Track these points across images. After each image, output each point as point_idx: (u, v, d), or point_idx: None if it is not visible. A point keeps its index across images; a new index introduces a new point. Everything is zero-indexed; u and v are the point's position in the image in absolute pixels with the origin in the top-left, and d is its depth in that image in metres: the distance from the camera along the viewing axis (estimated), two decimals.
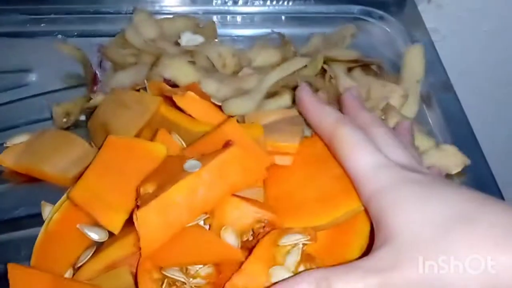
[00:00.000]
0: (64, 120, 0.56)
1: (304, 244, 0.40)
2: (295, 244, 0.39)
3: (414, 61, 0.59)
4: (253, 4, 0.73)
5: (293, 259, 0.39)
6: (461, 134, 0.57)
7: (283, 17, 0.73)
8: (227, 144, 0.43)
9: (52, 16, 0.70)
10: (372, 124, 0.43)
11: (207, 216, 0.41)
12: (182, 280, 0.39)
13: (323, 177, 0.44)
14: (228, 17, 0.73)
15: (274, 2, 0.74)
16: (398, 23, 0.71)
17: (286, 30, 0.68)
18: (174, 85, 0.55)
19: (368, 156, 0.39)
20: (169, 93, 0.51)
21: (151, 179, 0.42)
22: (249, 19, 0.73)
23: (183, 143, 0.47)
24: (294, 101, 0.53)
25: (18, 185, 0.51)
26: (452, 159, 0.52)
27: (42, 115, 0.58)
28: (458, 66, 0.70)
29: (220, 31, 0.69)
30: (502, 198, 0.50)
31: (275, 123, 0.49)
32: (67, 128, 0.56)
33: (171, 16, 0.68)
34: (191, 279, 0.40)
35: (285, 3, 0.74)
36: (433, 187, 0.36)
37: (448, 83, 0.63)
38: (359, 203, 0.40)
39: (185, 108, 0.49)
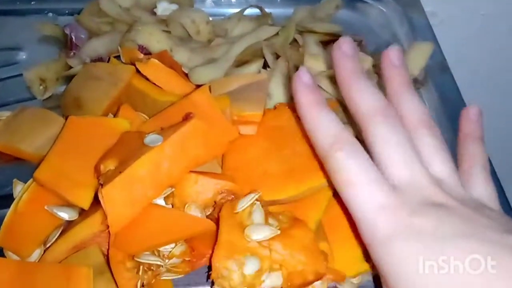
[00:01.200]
0: (41, 87, 0.55)
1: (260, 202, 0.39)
2: (253, 204, 0.39)
3: (417, 56, 0.56)
4: None
5: (259, 214, 0.38)
6: (457, 116, 0.55)
7: None
8: (187, 117, 0.42)
9: None
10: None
11: (173, 189, 0.40)
12: (158, 263, 0.39)
13: (285, 151, 0.43)
14: None
15: None
16: (395, 5, 0.69)
17: (281, 11, 0.68)
18: (148, 53, 0.54)
19: (366, 194, 0.33)
20: (135, 60, 0.50)
21: (111, 155, 0.41)
22: None
23: (147, 117, 0.46)
24: (264, 67, 0.53)
25: (9, 162, 0.49)
26: None
27: (32, 93, 0.57)
28: (455, 50, 0.68)
29: (214, 10, 0.69)
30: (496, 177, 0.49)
31: (239, 90, 0.47)
32: (50, 104, 0.55)
33: None
34: (166, 261, 0.40)
35: None
36: (445, 242, 0.31)
37: (445, 64, 0.61)
38: (321, 180, 0.40)
39: (149, 76, 0.48)
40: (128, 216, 0.39)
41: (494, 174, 0.49)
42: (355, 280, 0.40)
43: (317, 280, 0.37)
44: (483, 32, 0.88)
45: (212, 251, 0.37)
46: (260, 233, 0.37)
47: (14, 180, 0.46)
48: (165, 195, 0.40)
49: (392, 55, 0.39)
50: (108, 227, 0.38)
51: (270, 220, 0.39)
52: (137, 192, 0.38)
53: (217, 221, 0.39)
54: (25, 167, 0.47)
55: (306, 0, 0.69)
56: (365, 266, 0.40)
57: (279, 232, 0.37)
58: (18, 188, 0.45)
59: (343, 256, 0.40)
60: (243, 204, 0.39)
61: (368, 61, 0.53)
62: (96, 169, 0.41)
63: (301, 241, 0.37)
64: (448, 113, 0.56)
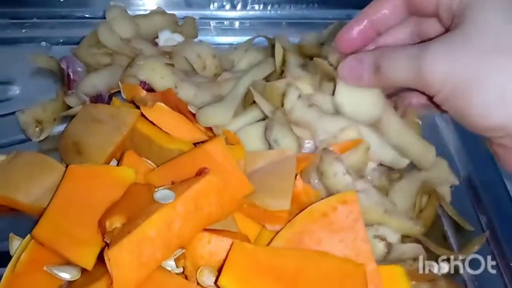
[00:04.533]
0: (37, 129, 0.52)
1: None
2: None
3: None
4: (252, 9, 0.69)
5: None
6: (470, 137, 0.53)
7: (283, 23, 0.69)
8: (201, 172, 0.39)
9: (35, 20, 0.65)
10: None
11: (183, 251, 0.38)
12: None
13: None
14: (226, 22, 0.69)
15: (276, 6, 0.69)
16: None
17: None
18: (150, 89, 0.50)
19: None
20: (139, 103, 0.47)
21: (117, 210, 0.38)
22: (249, 24, 0.69)
23: (153, 165, 0.44)
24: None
25: (4, 213, 0.45)
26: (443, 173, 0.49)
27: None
28: None
29: (217, 38, 0.66)
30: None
31: (263, 173, 0.43)
32: (47, 146, 0.52)
33: (147, 12, 0.63)
34: None
35: (286, 7, 0.69)
36: None
37: None
38: None
39: (155, 121, 0.46)
40: (135, 280, 0.36)
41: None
42: None
43: None
44: None
45: None
46: None
47: (11, 234, 0.42)
48: (175, 256, 0.38)
49: None
50: None
51: None
52: (146, 254, 0.36)
53: None
54: (22, 219, 0.44)
55: (320, 27, 0.66)
56: None
57: None
58: (15, 244, 0.42)
59: None
60: None
61: None
62: (101, 225, 0.38)
63: None
64: (461, 133, 0.55)
